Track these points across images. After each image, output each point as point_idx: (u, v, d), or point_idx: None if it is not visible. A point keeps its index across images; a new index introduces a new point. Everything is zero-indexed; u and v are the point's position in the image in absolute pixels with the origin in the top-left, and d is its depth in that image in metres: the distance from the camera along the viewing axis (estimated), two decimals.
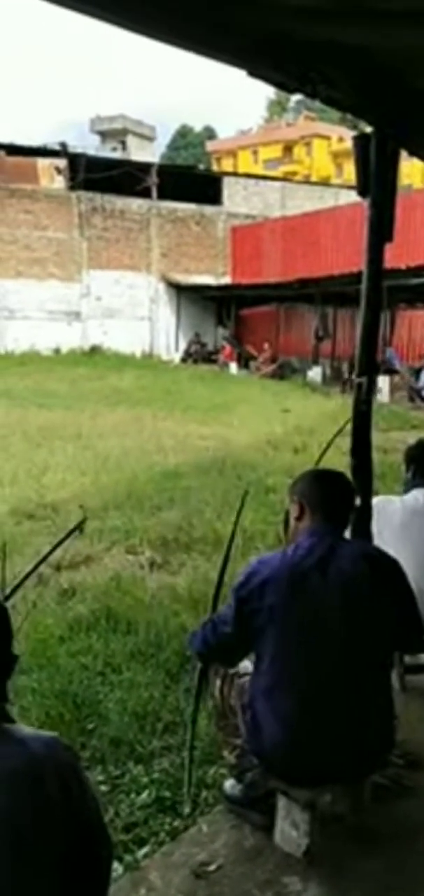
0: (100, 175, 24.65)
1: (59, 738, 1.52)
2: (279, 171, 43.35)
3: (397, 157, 3.16)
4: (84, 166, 25.19)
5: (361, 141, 3.06)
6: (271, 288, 21.87)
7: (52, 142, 27.60)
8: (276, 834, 2.40)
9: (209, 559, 5.53)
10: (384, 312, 14.62)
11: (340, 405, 13.03)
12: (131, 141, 41.04)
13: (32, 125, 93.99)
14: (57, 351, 24.00)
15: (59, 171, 25.35)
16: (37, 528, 6.25)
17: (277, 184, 31.10)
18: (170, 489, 7.55)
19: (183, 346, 25.93)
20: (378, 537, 3.31)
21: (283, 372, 20.91)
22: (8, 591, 2.68)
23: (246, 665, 2.52)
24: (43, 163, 25.28)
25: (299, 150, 56.50)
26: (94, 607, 4.50)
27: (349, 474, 3.19)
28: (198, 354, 25.04)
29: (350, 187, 22.36)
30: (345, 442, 3.46)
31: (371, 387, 3.28)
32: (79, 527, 4.10)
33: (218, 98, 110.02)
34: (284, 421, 12.28)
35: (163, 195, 26.51)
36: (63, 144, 26.58)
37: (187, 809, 2.65)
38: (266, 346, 22.32)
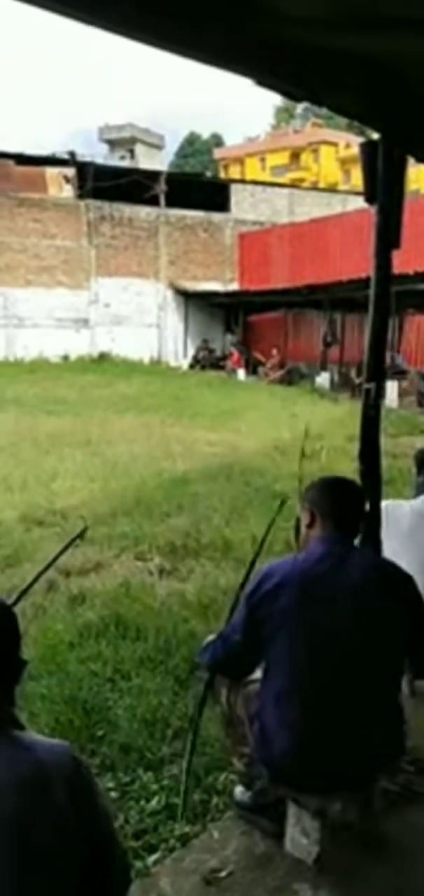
0: (108, 183, 24.75)
1: (69, 746, 1.51)
2: (286, 178, 43.41)
3: (404, 163, 3.16)
4: (92, 175, 25.30)
5: (368, 148, 3.07)
6: (279, 294, 21.87)
7: (60, 151, 27.78)
8: (287, 841, 2.40)
9: (218, 565, 5.53)
10: (392, 317, 14.59)
11: (348, 411, 13.00)
12: (139, 149, 41.25)
13: (41, 134, 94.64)
14: (65, 358, 24.08)
15: (67, 179, 25.47)
16: (46, 535, 6.27)
17: (285, 190, 31.13)
18: (179, 495, 7.56)
19: (191, 352, 25.96)
20: (386, 541, 3.31)
21: (291, 378, 20.88)
22: (14, 597, 2.69)
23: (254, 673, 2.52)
24: (51, 172, 25.40)
25: (306, 157, 56.54)
26: (104, 614, 4.51)
27: (358, 480, 3.20)
28: (206, 361, 25.06)
29: (357, 193, 22.36)
30: (354, 447, 3.45)
31: (380, 392, 3.28)
32: (81, 536, 4.14)
33: (225, 106, 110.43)
34: (292, 427, 12.27)
35: (171, 203, 26.58)
36: (71, 153, 26.71)
37: (185, 826, 2.61)
38: (274, 351, 22.30)
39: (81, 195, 25.26)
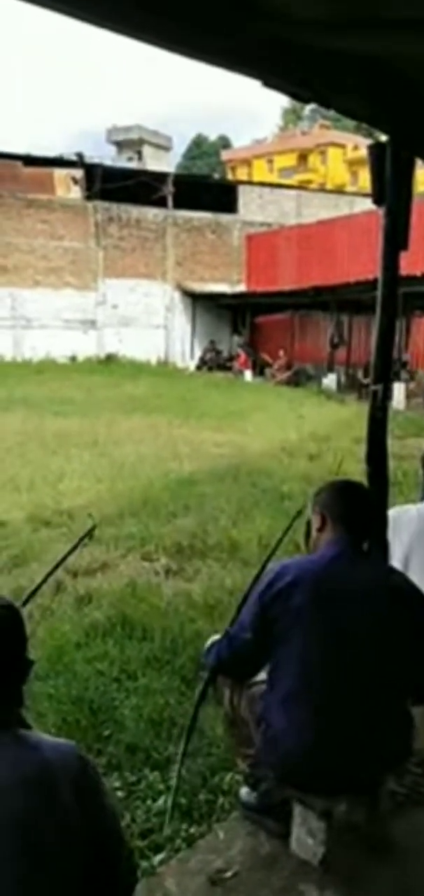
0: (116, 185, 24.82)
1: (76, 746, 1.51)
2: (294, 180, 43.39)
3: (412, 165, 3.16)
4: (100, 176, 25.38)
5: (376, 150, 3.06)
6: (286, 296, 21.87)
7: (68, 152, 27.86)
8: (292, 842, 2.40)
9: (224, 566, 5.54)
10: (399, 319, 14.57)
11: (355, 412, 12.99)
12: (147, 151, 41.25)
13: (48, 135, 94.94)
14: (73, 359, 24.15)
15: (75, 181, 25.54)
16: (54, 536, 6.29)
17: (292, 192, 31.13)
18: (186, 496, 7.57)
19: (198, 353, 25.99)
20: (393, 546, 3.31)
21: (298, 379, 20.89)
22: (24, 598, 2.71)
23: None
24: (59, 173, 25.49)
25: (314, 159, 56.51)
26: (110, 614, 4.53)
27: (365, 482, 3.20)
28: (213, 362, 25.09)
29: (365, 195, 22.33)
30: (361, 449, 3.45)
31: (387, 394, 3.28)
32: (89, 534, 4.15)
33: (233, 107, 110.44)
34: (299, 428, 12.27)
35: (178, 204, 26.62)
36: (79, 155, 26.79)
37: (167, 830, 2.60)
38: (281, 353, 22.31)
39: (89, 196, 25.33)
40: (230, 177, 48.54)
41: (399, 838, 2.46)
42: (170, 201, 26.66)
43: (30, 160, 25.34)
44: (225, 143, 68.00)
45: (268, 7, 2.07)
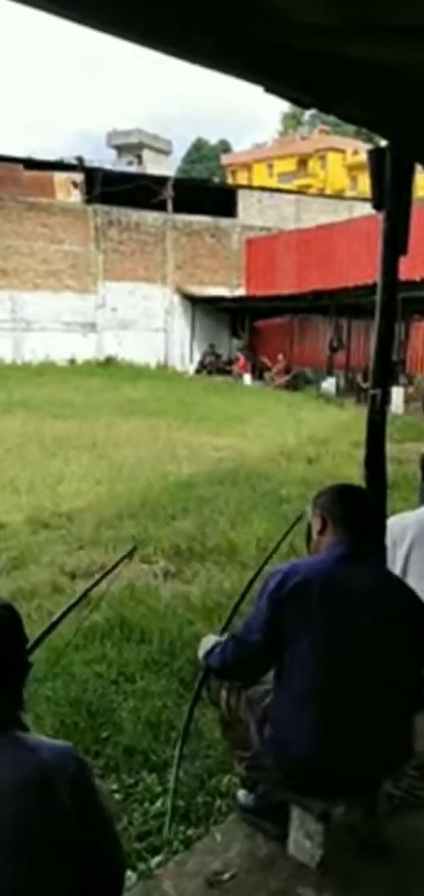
0: (116, 189, 24.86)
1: (73, 748, 1.52)
2: (293, 185, 43.46)
3: (412, 170, 3.18)
4: (100, 180, 25.41)
5: (376, 155, 3.08)
6: (285, 299, 21.89)
7: (68, 155, 27.93)
8: (290, 844, 2.40)
9: (223, 569, 5.54)
10: (398, 323, 14.59)
11: (354, 416, 13.00)
12: (147, 155, 41.36)
13: (48, 138, 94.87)
14: (72, 362, 24.16)
15: (75, 184, 25.57)
16: (52, 538, 6.30)
17: (292, 197, 31.18)
18: (184, 499, 7.57)
19: (197, 357, 26.00)
20: (393, 553, 3.32)
21: (297, 383, 20.90)
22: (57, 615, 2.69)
23: None
24: (60, 177, 25.52)
25: (314, 164, 56.62)
26: (109, 616, 4.52)
27: (363, 485, 3.21)
28: (213, 366, 25.11)
29: (364, 200, 22.38)
30: (360, 453, 3.46)
31: (386, 398, 3.29)
32: (130, 555, 4.14)
33: (233, 112, 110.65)
34: (298, 432, 12.28)
35: (178, 208, 26.65)
36: (79, 159, 26.85)
37: (167, 833, 2.59)
38: (280, 357, 22.34)
39: (89, 200, 25.36)
40: (230, 181, 48.69)
41: (396, 841, 2.46)
42: (169, 205, 26.69)
43: (30, 164, 25.37)
44: (225, 147, 68.07)
45: (270, 13, 2.09)
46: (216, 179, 42.89)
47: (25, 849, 1.32)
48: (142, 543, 6.10)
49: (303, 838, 2.35)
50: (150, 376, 22.34)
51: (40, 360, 23.34)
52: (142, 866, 2.46)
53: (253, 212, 28.54)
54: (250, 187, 34.58)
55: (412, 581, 3.28)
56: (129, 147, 43.29)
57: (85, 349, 24.68)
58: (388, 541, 3.32)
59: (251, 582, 3.27)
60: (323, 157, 56.01)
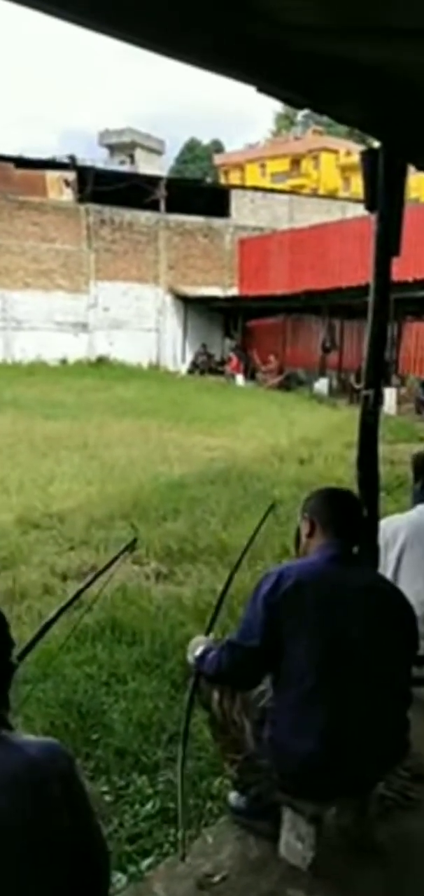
0: (108, 188, 24.82)
1: (58, 743, 1.51)
2: (286, 185, 43.51)
3: (404, 172, 3.18)
4: (92, 179, 25.37)
5: (369, 156, 3.08)
6: (278, 300, 21.93)
7: (60, 154, 27.85)
8: (281, 846, 2.39)
9: (214, 570, 5.53)
10: (391, 324, 14.63)
11: (347, 417, 13.01)
12: (139, 154, 41.33)
13: (40, 137, 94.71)
14: (64, 361, 24.12)
15: (67, 183, 25.53)
16: (43, 538, 6.27)
17: (285, 197, 31.22)
18: (176, 499, 7.56)
19: (189, 357, 26.01)
20: (385, 554, 3.33)
21: (290, 383, 20.93)
22: (49, 618, 2.65)
23: None
24: (51, 175, 25.46)
25: (307, 164, 56.69)
26: (100, 617, 4.50)
27: (356, 487, 3.21)
28: (205, 365, 25.12)
29: (357, 201, 22.40)
30: (352, 454, 3.46)
31: (378, 399, 3.29)
32: (130, 548, 4.05)
33: (226, 112, 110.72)
34: (290, 432, 12.28)
35: (171, 208, 26.64)
36: (72, 157, 26.81)
37: (181, 833, 2.54)
38: (271, 358, 22.36)
39: (81, 199, 25.32)
40: (223, 181, 48.70)
41: (388, 843, 2.46)
42: (162, 205, 26.67)
43: (22, 162, 25.30)
44: (217, 147, 68.07)
45: (263, 12, 2.08)
46: (209, 179, 42.90)
47: (20, 849, 1.31)
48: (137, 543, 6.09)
49: (295, 840, 2.35)
50: (142, 376, 22.31)
51: (31, 360, 23.28)
52: (132, 869, 2.45)
53: (245, 212, 28.56)
54: (243, 187, 34.61)
55: (404, 582, 3.30)
56: (122, 146, 43.25)
57: (76, 349, 24.64)
58: (381, 542, 3.33)
59: (230, 579, 3.25)
60: (316, 158, 56.10)
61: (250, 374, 22.81)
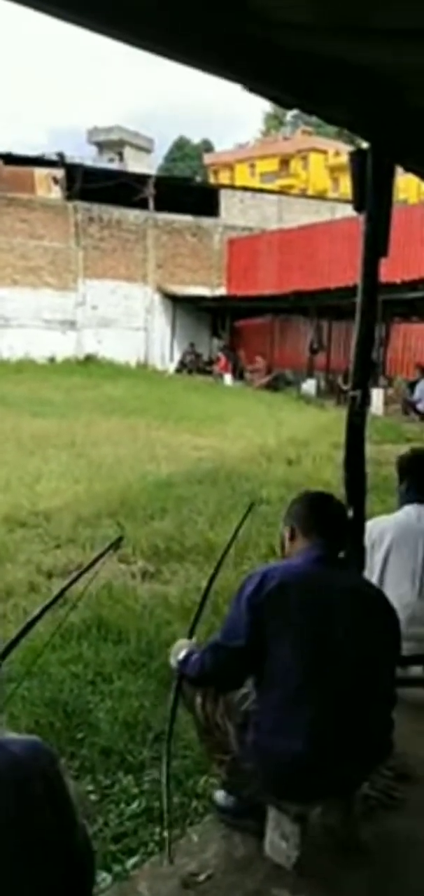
0: (97, 185, 24.73)
1: (42, 741, 1.51)
2: (275, 185, 43.59)
3: (392, 173, 3.18)
4: (81, 177, 25.27)
5: (357, 157, 3.08)
6: (266, 300, 21.94)
7: (48, 151, 27.73)
8: (266, 845, 2.39)
9: (201, 569, 5.52)
10: (379, 325, 14.68)
11: (334, 417, 13.04)
12: (128, 152, 41.24)
13: (28, 134, 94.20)
14: (52, 359, 24.01)
15: (56, 181, 25.41)
16: (29, 536, 6.24)
17: (274, 197, 31.24)
18: (163, 498, 7.55)
19: (178, 356, 25.97)
20: (372, 556, 3.34)
21: (278, 384, 20.96)
22: (32, 616, 2.63)
23: None
24: (40, 172, 25.33)
25: (296, 164, 56.83)
26: (86, 616, 4.48)
27: (342, 487, 3.22)
28: (193, 365, 25.10)
29: (346, 201, 22.47)
30: (340, 454, 3.47)
31: (366, 399, 3.30)
32: (116, 545, 4.02)
33: (215, 111, 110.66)
34: (278, 432, 12.30)
35: (159, 206, 26.59)
36: (60, 155, 26.67)
37: (166, 833, 2.53)
38: (258, 359, 22.41)
39: (70, 196, 25.21)
40: (212, 180, 48.70)
41: (372, 842, 2.47)
42: (151, 203, 26.61)
43: (10, 159, 25.16)
44: (207, 146, 68.07)
45: (253, 11, 2.08)
46: (198, 178, 42.86)
47: (13, 848, 1.30)
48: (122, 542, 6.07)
49: (279, 839, 2.35)
50: (130, 375, 22.27)
51: (19, 358, 23.15)
52: (117, 868, 2.45)
53: (235, 211, 28.56)
54: (232, 187, 34.62)
55: (390, 583, 3.32)
56: (110, 144, 43.14)
57: (64, 347, 24.54)
58: (367, 543, 3.34)
59: (210, 582, 3.26)
60: (305, 158, 56.26)
61: (238, 374, 22.83)
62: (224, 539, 6.04)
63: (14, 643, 2.32)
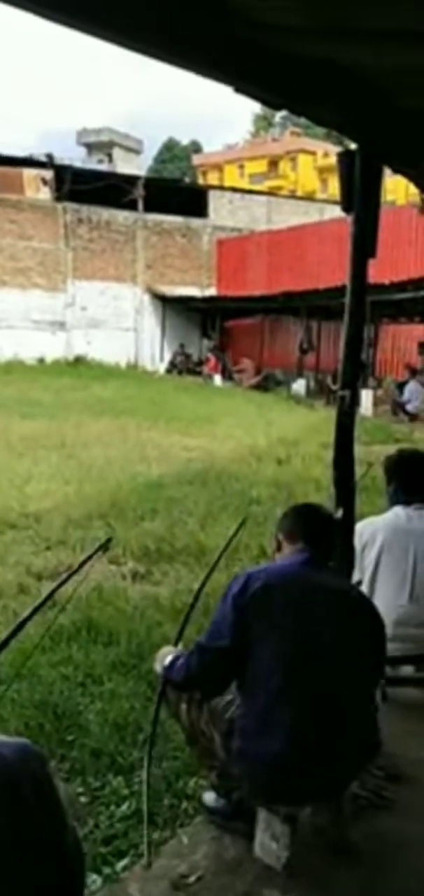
0: (86, 186, 24.67)
1: (31, 744, 1.50)
2: (264, 186, 43.65)
3: (380, 174, 3.20)
4: (70, 178, 25.20)
5: (345, 158, 3.09)
6: (256, 300, 21.97)
7: (37, 152, 27.63)
8: (256, 846, 2.39)
9: (192, 570, 5.52)
10: (367, 326, 14.73)
11: (324, 417, 13.07)
12: (117, 153, 41.11)
13: (17, 135, 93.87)
14: (41, 360, 23.93)
15: (45, 182, 25.33)
16: (19, 538, 6.22)
17: (263, 198, 31.29)
18: (154, 499, 7.54)
19: (168, 357, 25.96)
20: (362, 557, 3.35)
21: (268, 384, 20.99)
22: (22, 617, 2.62)
23: None
24: (29, 173, 25.24)
25: (285, 165, 56.93)
26: (76, 618, 4.47)
27: (331, 487, 3.23)
28: (183, 366, 25.09)
29: (335, 202, 22.53)
30: (329, 454, 3.48)
31: (355, 400, 3.31)
32: (104, 547, 4.01)
33: (204, 112, 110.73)
34: (268, 433, 12.31)
35: (149, 208, 26.57)
36: (49, 156, 26.58)
37: (155, 832, 2.55)
38: (244, 360, 22.46)
39: (59, 197, 25.14)
40: (201, 181, 48.69)
41: (363, 842, 2.47)
42: (140, 204, 26.58)
43: None
44: (196, 147, 68.02)
45: (241, 12, 2.08)
46: (187, 180, 42.84)
47: (5, 850, 1.29)
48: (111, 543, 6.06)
49: (269, 840, 2.35)
50: (120, 376, 22.24)
51: (8, 359, 23.05)
52: (107, 870, 2.44)
53: (224, 212, 28.58)
54: (221, 188, 34.63)
55: (381, 584, 3.33)
56: (100, 145, 43.00)
57: (54, 348, 24.47)
58: (357, 544, 3.35)
59: (201, 587, 3.27)
60: (293, 159, 56.37)
61: (228, 375, 22.84)
62: (214, 540, 6.07)
63: (3, 645, 2.31)
